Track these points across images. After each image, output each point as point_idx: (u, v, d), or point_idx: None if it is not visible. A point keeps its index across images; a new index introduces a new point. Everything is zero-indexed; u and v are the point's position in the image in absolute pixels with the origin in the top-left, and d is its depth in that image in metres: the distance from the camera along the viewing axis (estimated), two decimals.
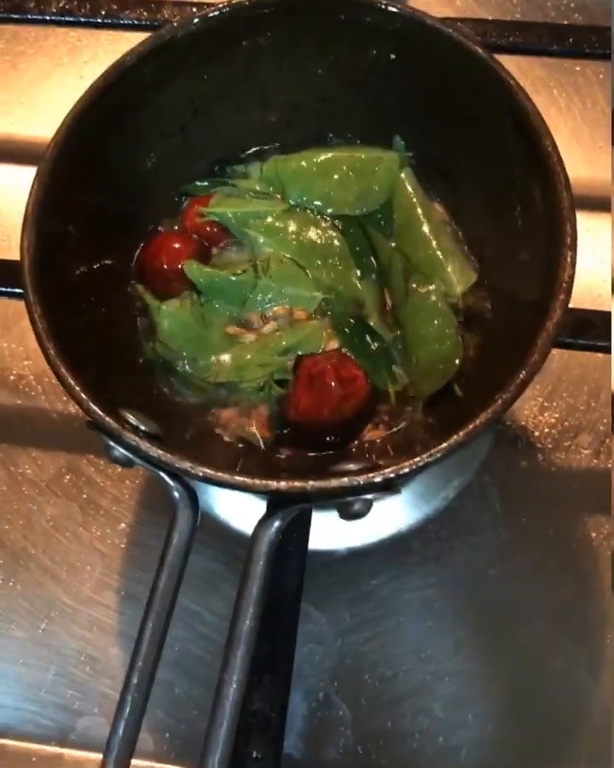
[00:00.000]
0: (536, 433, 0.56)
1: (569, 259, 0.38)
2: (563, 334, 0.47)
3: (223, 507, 0.56)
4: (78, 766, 0.52)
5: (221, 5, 0.43)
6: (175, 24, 0.43)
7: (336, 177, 0.47)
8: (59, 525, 0.57)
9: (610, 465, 0.55)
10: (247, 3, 0.42)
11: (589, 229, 0.61)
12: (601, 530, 0.54)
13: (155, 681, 0.52)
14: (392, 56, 0.45)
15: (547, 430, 0.56)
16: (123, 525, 0.57)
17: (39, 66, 0.68)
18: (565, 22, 0.62)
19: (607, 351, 0.48)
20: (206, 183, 0.49)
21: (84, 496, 0.58)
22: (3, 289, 0.51)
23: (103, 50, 0.66)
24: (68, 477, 0.58)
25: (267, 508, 0.39)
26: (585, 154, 0.62)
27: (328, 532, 0.55)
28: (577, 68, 0.63)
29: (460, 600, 0.54)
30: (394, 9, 0.42)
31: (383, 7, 0.42)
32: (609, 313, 0.50)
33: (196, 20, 0.43)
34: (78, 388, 0.39)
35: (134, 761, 0.51)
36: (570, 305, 0.55)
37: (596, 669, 0.52)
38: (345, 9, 0.43)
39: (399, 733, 0.52)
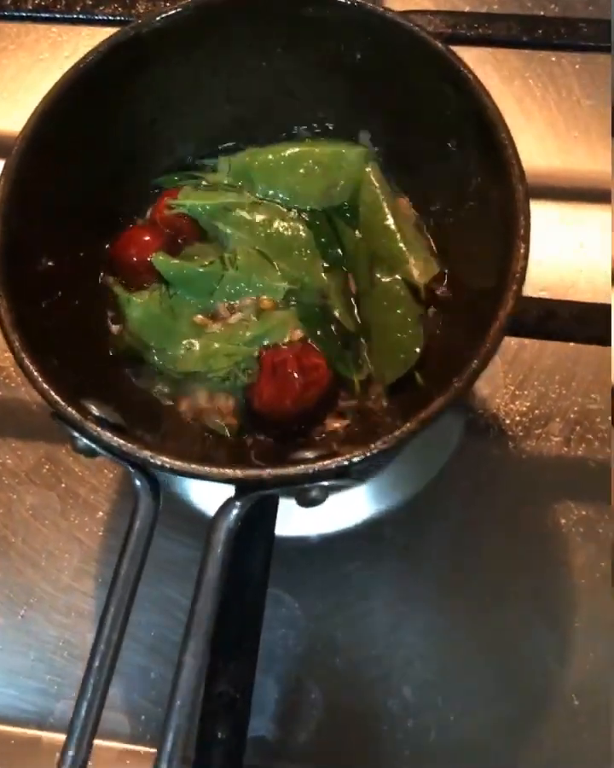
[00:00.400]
0: (507, 421, 0.57)
1: (522, 251, 0.39)
2: (527, 324, 0.48)
3: (196, 495, 0.57)
4: (56, 749, 0.53)
5: (185, 3, 0.43)
6: (139, 20, 0.43)
7: (302, 171, 0.48)
8: (38, 514, 0.58)
9: (581, 452, 0.56)
10: (210, 1, 0.43)
11: (563, 218, 0.61)
12: (570, 516, 0.55)
13: (132, 665, 0.55)
14: (357, 51, 0.45)
15: (518, 418, 0.57)
16: (101, 513, 0.58)
17: (20, 61, 0.69)
18: (541, 13, 0.62)
19: (573, 339, 0.49)
20: (176, 177, 0.50)
21: (63, 485, 0.59)
22: None
23: (84, 45, 0.65)
24: (47, 467, 0.59)
25: (232, 495, 0.40)
26: (560, 144, 0.63)
27: (301, 518, 0.56)
28: (553, 58, 0.64)
29: (431, 586, 0.55)
30: (354, 3, 0.42)
31: (343, 1, 0.42)
32: (576, 304, 0.50)
33: (160, 17, 0.43)
34: (40, 379, 0.40)
35: (109, 743, 0.54)
36: (542, 294, 0.57)
37: (564, 654, 0.53)
38: (308, 4, 0.43)
39: (370, 715, 0.53)
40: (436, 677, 0.53)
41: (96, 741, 0.51)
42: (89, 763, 0.52)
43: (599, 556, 0.54)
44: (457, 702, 0.53)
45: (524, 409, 0.57)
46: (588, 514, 0.55)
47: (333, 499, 0.56)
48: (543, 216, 0.61)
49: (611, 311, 0.48)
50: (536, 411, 0.57)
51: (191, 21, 0.45)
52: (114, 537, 0.57)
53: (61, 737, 0.52)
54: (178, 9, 0.44)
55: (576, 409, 0.57)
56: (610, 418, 0.55)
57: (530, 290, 0.58)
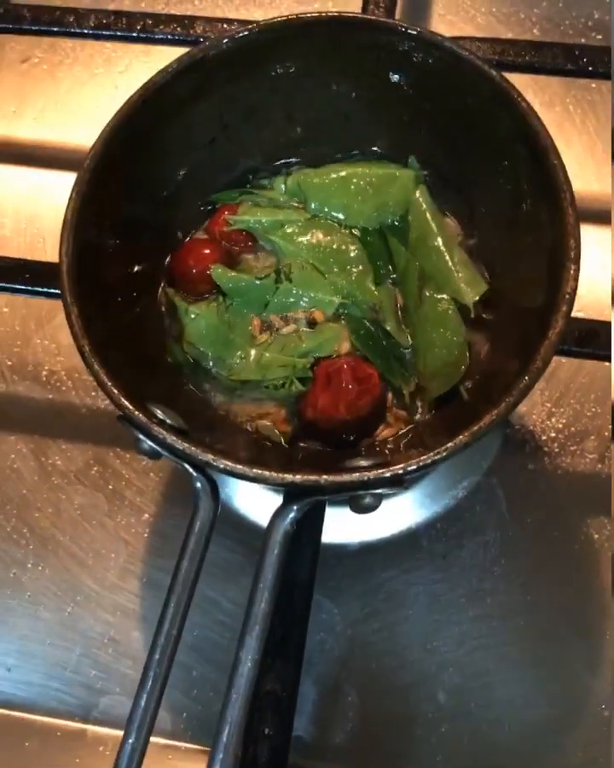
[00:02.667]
0: (544, 438, 0.58)
1: (571, 272, 0.40)
2: (568, 343, 0.50)
3: (241, 501, 0.59)
4: (99, 742, 0.55)
5: (250, 27, 0.46)
6: (207, 44, 0.46)
7: (354, 190, 0.50)
8: (86, 514, 0.60)
9: (612, 470, 0.57)
10: (274, 25, 0.45)
11: (599, 241, 0.63)
12: (603, 531, 0.56)
13: (175, 664, 0.56)
14: (410, 76, 0.47)
15: (554, 435, 0.58)
16: (146, 515, 0.60)
17: (75, 75, 0.71)
18: (582, 40, 0.64)
19: (605, 359, 0.50)
20: (234, 194, 0.52)
21: (110, 487, 0.61)
22: (40, 289, 0.54)
23: (137, 61, 0.70)
24: (96, 469, 0.61)
25: (283, 500, 0.42)
26: (598, 169, 0.64)
27: (342, 526, 0.57)
28: (593, 85, 0.66)
29: (465, 595, 0.56)
30: (412, 31, 0.44)
31: (402, 29, 0.44)
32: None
33: (226, 40, 0.45)
34: (109, 384, 0.41)
35: (152, 739, 0.55)
36: (578, 315, 0.58)
37: (594, 665, 0.54)
38: (365, 31, 0.45)
39: (404, 719, 0.54)
40: (470, 684, 0.55)
41: None
42: None
43: None
44: (490, 709, 0.54)
45: (560, 426, 0.58)
46: None
47: None
48: (583, 237, 0.62)
49: (611, 329, 0.50)
50: (572, 428, 0.58)
51: (255, 44, 0.47)
52: (159, 538, 0.59)
53: (105, 731, 0.56)
54: (244, 33, 0.46)
55: (610, 427, 0.58)
56: (610, 431, 0.57)
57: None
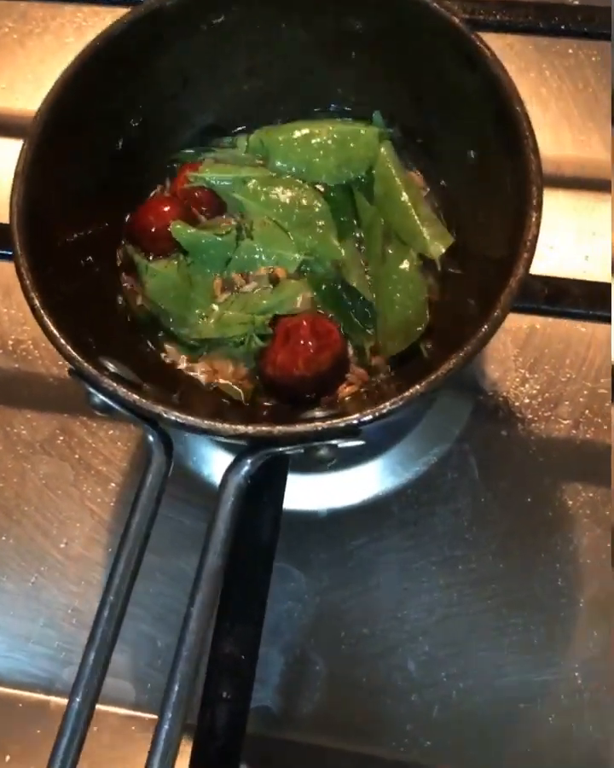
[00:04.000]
0: (517, 404, 0.57)
1: (533, 219, 0.39)
2: (538, 301, 0.49)
3: (208, 468, 0.58)
4: (62, 712, 0.54)
5: None
6: None
7: (317, 147, 0.49)
8: (51, 483, 0.59)
9: (589, 435, 0.56)
10: None
11: (576, 208, 0.62)
12: (577, 498, 0.55)
13: (139, 634, 0.55)
14: (375, 29, 0.46)
15: (527, 401, 0.57)
16: (112, 485, 0.59)
17: (46, 45, 0.70)
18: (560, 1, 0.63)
19: (582, 318, 0.49)
20: (195, 152, 0.51)
21: (77, 456, 0.60)
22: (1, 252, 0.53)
23: None
24: (61, 438, 0.60)
25: (237, 455, 0.41)
26: (574, 135, 0.63)
27: (310, 494, 0.56)
28: (570, 51, 0.65)
29: (436, 563, 0.55)
30: None
31: None
32: (586, 283, 0.51)
33: None
34: (59, 336, 0.41)
35: (114, 709, 0.55)
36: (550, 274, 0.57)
37: (568, 633, 0.53)
38: None
39: (373, 689, 0.53)
40: (440, 653, 0.53)
41: (101, 707, 0.52)
42: (94, 727, 0.54)
43: (605, 538, 0.54)
44: (461, 678, 0.53)
45: (534, 392, 0.57)
46: (595, 496, 0.55)
47: (342, 475, 0.57)
48: (556, 205, 0.62)
49: (611, 292, 0.49)
50: (546, 394, 0.57)
51: None
52: (125, 508, 0.57)
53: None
54: None
55: (585, 392, 0.57)
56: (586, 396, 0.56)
57: (543, 272, 0.59)
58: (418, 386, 0.38)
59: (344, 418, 0.38)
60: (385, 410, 0.38)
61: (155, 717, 0.52)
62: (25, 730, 0.54)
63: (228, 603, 0.46)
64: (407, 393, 0.38)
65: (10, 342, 0.63)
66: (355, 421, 0.38)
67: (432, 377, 0.38)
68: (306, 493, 0.56)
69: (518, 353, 0.58)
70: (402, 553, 0.55)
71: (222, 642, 0.45)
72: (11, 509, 0.59)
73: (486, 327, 0.38)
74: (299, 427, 0.38)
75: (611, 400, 0.56)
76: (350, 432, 0.38)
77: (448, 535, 0.55)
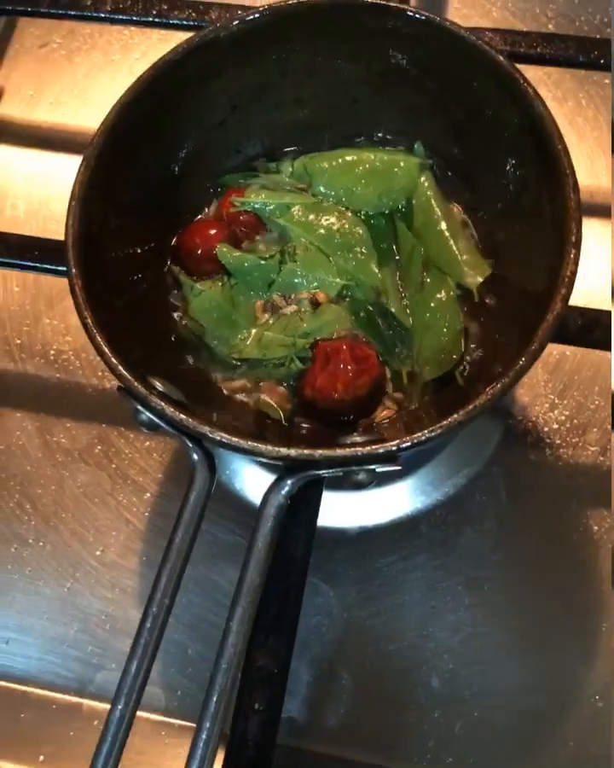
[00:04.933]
0: (546, 429, 0.58)
1: (572, 256, 0.40)
2: (570, 331, 0.50)
3: (242, 483, 0.59)
4: (94, 715, 0.56)
5: (260, 8, 0.46)
6: (218, 25, 0.46)
7: (359, 176, 0.50)
8: (88, 492, 0.61)
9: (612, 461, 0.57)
10: (283, 8, 0.46)
11: (609, 236, 0.63)
12: (603, 524, 0.56)
13: (171, 642, 0.57)
14: (419, 62, 0.48)
15: (556, 426, 0.58)
16: (148, 495, 0.60)
17: (93, 61, 0.72)
18: (597, 36, 0.64)
19: (607, 348, 0.50)
20: (241, 177, 0.53)
21: (114, 466, 0.61)
22: (47, 266, 0.55)
23: (154, 49, 0.70)
24: (99, 448, 0.62)
25: (278, 475, 0.42)
26: (609, 164, 0.64)
27: (341, 511, 0.58)
28: (607, 81, 0.66)
29: (462, 583, 0.56)
30: (421, 16, 0.45)
31: (410, 14, 0.45)
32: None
33: (236, 23, 0.46)
34: (110, 354, 0.42)
35: (147, 714, 0.56)
36: (583, 306, 0.58)
37: (590, 655, 0.54)
38: (374, 15, 0.46)
39: (397, 704, 0.54)
40: (464, 671, 0.55)
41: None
42: None
43: None
44: (484, 697, 0.54)
45: (563, 418, 0.58)
46: None
47: (373, 494, 0.58)
48: (590, 233, 0.62)
49: (612, 320, 0.50)
50: (575, 420, 0.58)
51: (265, 27, 0.47)
52: (160, 518, 0.60)
53: (100, 705, 0.57)
54: (254, 15, 0.47)
55: (612, 419, 0.58)
56: (610, 423, 0.57)
57: (575, 301, 0.60)
58: (456, 416, 0.39)
59: (384, 445, 0.39)
60: (423, 438, 0.39)
61: (185, 723, 0.55)
62: (58, 731, 0.55)
63: (262, 617, 0.47)
64: (445, 422, 0.39)
65: (52, 352, 0.64)
66: (394, 448, 0.39)
67: (471, 407, 0.39)
68: (337, 511, 0.58)
69: (548, 379, 0.59)
70: (429, 572, 0.57)
71: (256, 655, 0.47)
72: (49, 516, 0.61)
73: (524, 360, 0.39)
74: (340, 452, 0.40)
75: (612, 428, 0.57)
76: (389, 458, 0.40)
77: (475, 556, 0.56)
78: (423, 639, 0.55)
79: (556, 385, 0.59)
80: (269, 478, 0.58)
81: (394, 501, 0.58)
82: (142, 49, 0.71)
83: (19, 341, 0.65)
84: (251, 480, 0.59)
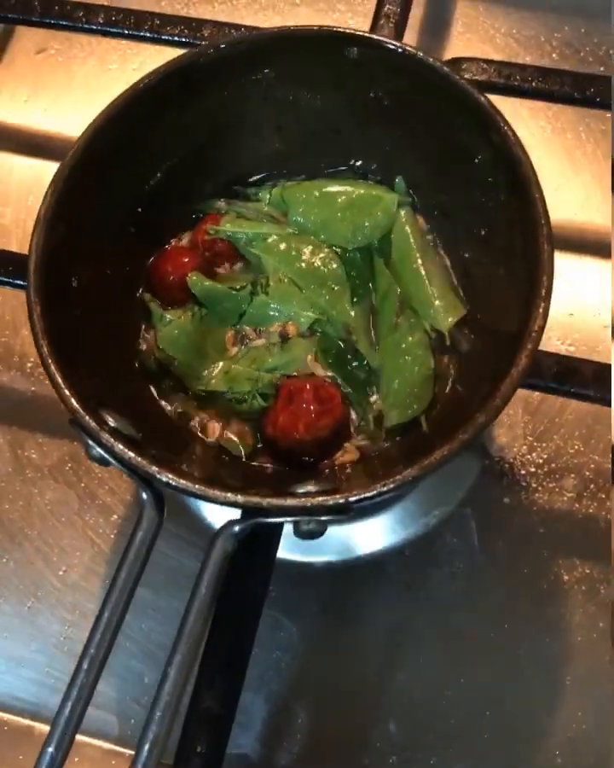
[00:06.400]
0: (522, 472, 0.57)
1: (541, 310, 0.39)
2: (546, 379, 0.49)
3: (208, 509, 0.58)
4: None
5: (242, 35, 0.45)
6: (197, 49, 0.45)
7: (336, 209, 0.49)
8: (55, 510, 0.60)
9: (592, 510, 0.56)
10: (264, 36, 0.45)
11: (602, 272, 0.61)
12: (573, 573, 0.54)
13: (128, 669, 0.56)
14: (401, 95, 0.46)
15: (533, 469, 0.57)
16: (115, 516, 0.59)
17: (89, 69, 0.71)
18: (600, 68, 0.62)
19: (589, 399, 0.49)
20: (218, 203, 0.52)
21: (83, 484, 0.60)
22: (22, 284, 0.54)
23: (151, 60, 0.69)
24: (70, 465, 0.61)
25: (229, 520, 0.41)
26: (604, 198, 0.62)
27: (306, 544, 0.56)
28: (607, 115, 0.64)
29: (427, 626, 0.55)
30: (400, 50, 0.44)
31: (391, 47, 0.44)
32: (598, 363, 0.50)
33: (215, 48, 0.45)
34: (63, 385, 0.41)
35: (97, 741, 0.55)
36: (569, 350, 0.57)
37: (554, 708, 0.53)
38: (354, 47, 0.45)
39: (354, 745, 0.53)
40: (423, 717, 0.53)
41: (84, 739, 0.54)
42: (75, 758, 0.55)
43: (599, 616, 0.53)
44: (441, 744, 0.53)
45: (541, 461, 0.57)
46: (592, 572, 0.54)
47: (340, 529, 0.57)
48: (582, 269, 0.61)
49: (612, 368, 0.48)
50: (552, 465, 0.57)
51: (246, 53, 0.46)
52: (125, 541, 0.58)
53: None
54: (236, 41, 0.46)
55: (592, 466, 0.56)
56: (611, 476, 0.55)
57: (559, 342, 0.59)
58: (410, 470, 0.38)
59: (334, 497, 0.38)
60: (373, 493, 0.38)
61: None
62: (7, 755, 0.55)
63: (212, 656, 0.46)
64: (398, 477, 0.38)
65: (29, 365, 0.63)
66: (342, 501, 0.38)
67: (425, 462, 0.38)
68: (303, 543, 0.55)
69: (529, 420, 0.57)
70: (394, 613, 0.55)
71: (201, 696, 0.45)
72: (14, 532, 0.60)
73: (483, 417, 0.38)
74: (289, 501, 0.39)
75: (612, 480, 0.55)
76: (339, 510, 0.38)
77: (442, 599, 0.55)
78: (383, 681, 0.54)
79: (536, 426, 0.58)
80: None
81: (362, 537, 0.57)
82: (140, 60, 0.70)
83: None
84: (215, 508, 0.57)
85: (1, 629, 0.58)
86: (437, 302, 0.46)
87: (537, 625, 0.54)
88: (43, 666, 0.57)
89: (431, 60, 0.44)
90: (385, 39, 0.43)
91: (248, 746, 0.54)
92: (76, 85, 0.71)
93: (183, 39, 0.57)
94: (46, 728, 0.54)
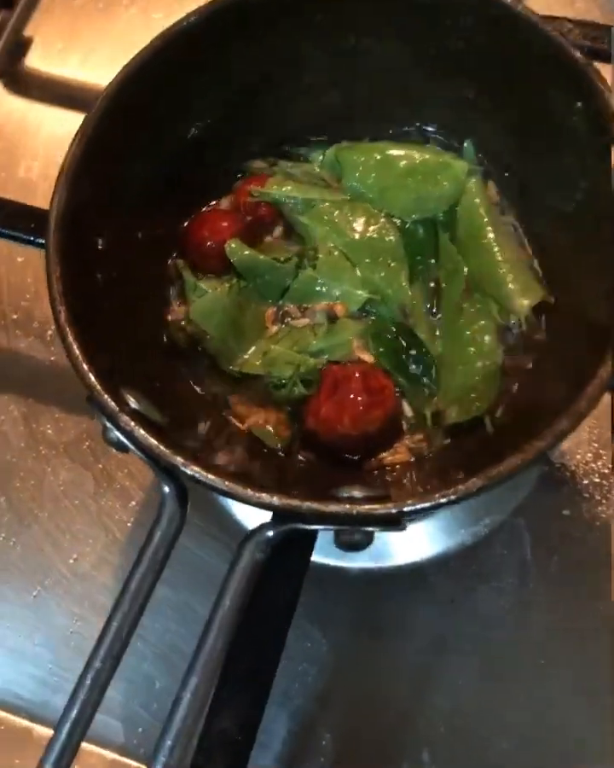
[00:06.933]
0: (585, 482, 0.51)
1: None
2: None
3: (240, 506, 0.53)
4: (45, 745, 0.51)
5: None
6: None
7: (397, 175, 0.44)
8: (69, 491, 0.55)
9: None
10: None
11: None
12: None
13: (138, 672, 0.51)
14: (479, 49, 0.41)
15: (597, 480, 0.51)
16: (133, 503, 0.55)
17: (131, 18, 0.66)
18: None
19: None
20: (266, 162, 0.47)
21: (100, 466, 0.56)
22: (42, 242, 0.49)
23: None
24: (87, 443, 0.56)
25: (273, 519, 0.36)
26: None
27: None
28: None
29: (469, 645, 0.50)
30: None
31: None
32: None
33: None
34: (81, 359, 0.36)
35: (101, 750, 0.51)
36: None
37: (602, 735, 0.47)
38: None
39: None
40: (459, 747, 0.48)
41: (88, 747, 0.50)
42: (76, 766, 0.50)
43: None
44: None
45: (606, 471, 0.51)
46: None
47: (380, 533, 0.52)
48: None
49: None
50: None
51: None
52: (142, 530, 0.53)
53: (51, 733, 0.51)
54: None
55: None
56: None
57: None
58: (476, 479, 0.33)
59: (385, 505, 0.33)
60: (431, 503, 0.33)
61: (141, 767, 0.50)
62: (2, 759, 0.50)
63: (232, 672, 0.41)
64: (461, 487, 0.33)
65: (49, 333, 0.59)
66: (394, 511, 0.33)
67: (494, 473, 0.33)
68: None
69: (595, 425, 0.52)
70: (434, 629, 0.50)
71: (219, 716, 0.41)
72: (24, 513, 0.55)
73: (565, 422, 0.33)
74: (332, 507, 0.33)
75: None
76: (388, 521, 0.33)
77: (487, 616, 0.50)
78: (418, 704, 0.49)
79: (603, 432, 0.52)
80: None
81: (403, 543, 0.51)
82: (186, 10, 0.64)
83: (15, 317, 0.59)
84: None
85: (3, 618, 0.53)
86: (510, 284, 0.41)
87: (591, 651, 0.49)
88: (46, 662, 0.53)
89: (519, 6, 0.38)
90: None
91: (267, 765, 0.49)
92: (115, 35, 0.66)
93: None
94: (46, 731, 0.51)
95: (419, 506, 0.32)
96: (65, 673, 0.52)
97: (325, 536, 0.46)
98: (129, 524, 0.54)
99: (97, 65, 0.65)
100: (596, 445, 0.51)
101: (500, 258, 0.42)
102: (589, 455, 0.51)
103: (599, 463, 0.51)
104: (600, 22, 0.57)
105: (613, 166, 0.36)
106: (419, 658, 0.50)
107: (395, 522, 0.33)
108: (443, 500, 0.33)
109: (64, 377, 0.57)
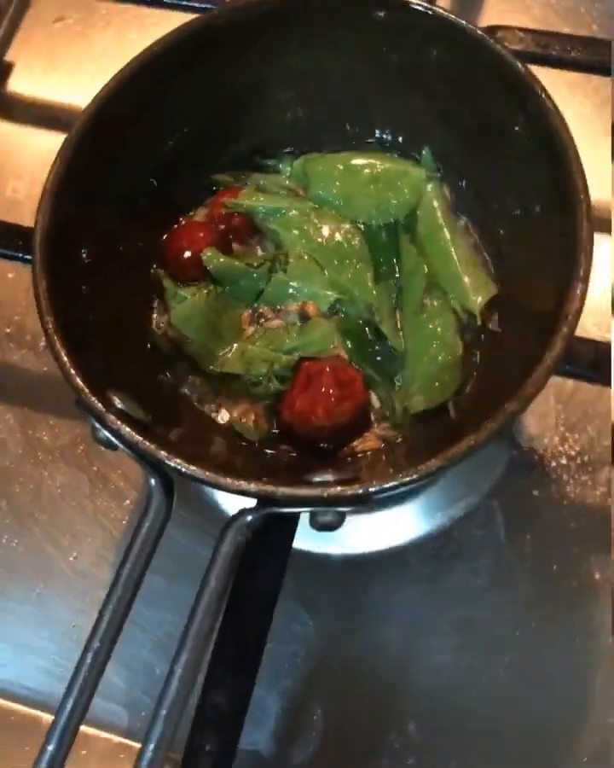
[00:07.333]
0: (554, 464, 0.54)
1: (577, 291, 0.36)
2: (581, 366, 0.46)
3: (225, 497, 0.55)
4: None
5: None
6: (214, 12, 0.42)
7: (360, 183, 0.46)
8: (66, 493, 0.58)
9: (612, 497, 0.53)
10: None
11: None
12: (605, 571, 0.52)
13: (138, 660, 0.54)
14: (431, 62, 0.43)
15: (565, 461, 0.54)
16: (127, 501, 0.57)
17: (108, 40, 0.68)
18: None
19: None
20: (236, 175, 0.49)
21: (95, 468, 0.58)
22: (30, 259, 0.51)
23: None
24: (81, 448, 0.59)
25: (241, 509, 0.39)
26: None
27: (326, 535, 0.53)
28: None
29: (450, 623, 0.52)
30: (431, 11, 0.41)
31: (421, 10, 0.41)
32: None
33: (234, 9, 0.42)
34: (68, 365, 0.39)
35: (106, 734, 0.53)
36: (605, 335, 0.53)
37: (581, 712, 0.50)
38: (385, 8, 0.42)
39: (370, 746, 0.51)
40: (444, 719, 0.51)
41: (93, 731, 0.52)
42: (83, 751, 0.53)
43: None
44: (462, 748, 0.50)
45: (573, 453, 0.54)
46: None
47: (361, 520, 0.55)
48: None
49: (612, 347, 0.45)
50: (585, 457, 0.54)
51: (267, 15, 0.43)
52: None
53: None
54: (255, 1, 0.43)
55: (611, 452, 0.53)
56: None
57: (595, 329, 0.55)
58: (433, 461, 0.35)
59: (353, 487, 0.36)
60: (394, 483, 0.35)
61: None
62: (13, 746, 0.53)
63: (223, 652, 0.44)
64: (421, 467, 0.35)
65: (42, 344, 0.61)
66: (361, 492, 0.35)
67: (449, 453, 0.35)
68: (321, 534, 0.53)
69: (562, 410, 0.54)
70: (415, 608, 0.53)
71: (211, 693, 0.43)
72: (24, 516, 0.58)
73: (514, 405, 0.35)
74: (304, 491, 0.36)
75: (611, 463, 0.52)
76: (357, 500, 0.36)
77: (466, 595, 0.52)
78: (402, 680, 0.52)
79: (569, 416, 0.55)
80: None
81: (383, 528, 0.54)
82: (160, 31, 0.67)
83: (8, 330, 0.62)
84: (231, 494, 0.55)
85: (9, 615, 0.56)
86: (466, 280, 0.44)
87: (565, 624, 0.51)
88: (51, 654, 0.55)
89: (464, 23, 0.41)
90: (413, 1, 0.40)
91: (261, 743, 0.51)
92: (93, 56, 0.68)
93: (205, 5, 0.54)
94: (52, 718, 0.53)
95: (383, 486, 0.35)
96: (69, 664, 0.52)
97: (306, 524, 0.49)
98: (124, 522, 0.57)
99: (77, 86, 0.67)
100: (563, 428, 0.54)
101: (456, 259, 0.45)
102: (556, 438, 0.54)
103: (565, 446, 0.54)
104: (556, 28, 0.61)
105: (558, 169, 0.39)
106: (402, 636, 0.52)
107: (364, 502, 0.36)
108: (406, 479, 0.35)
109: (57, 387, 0.59)
